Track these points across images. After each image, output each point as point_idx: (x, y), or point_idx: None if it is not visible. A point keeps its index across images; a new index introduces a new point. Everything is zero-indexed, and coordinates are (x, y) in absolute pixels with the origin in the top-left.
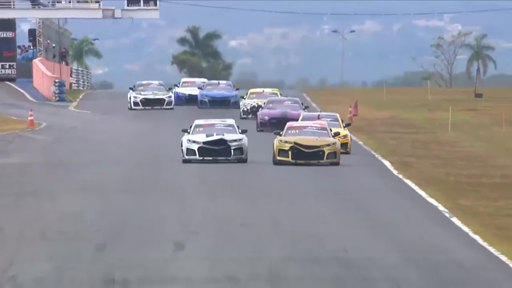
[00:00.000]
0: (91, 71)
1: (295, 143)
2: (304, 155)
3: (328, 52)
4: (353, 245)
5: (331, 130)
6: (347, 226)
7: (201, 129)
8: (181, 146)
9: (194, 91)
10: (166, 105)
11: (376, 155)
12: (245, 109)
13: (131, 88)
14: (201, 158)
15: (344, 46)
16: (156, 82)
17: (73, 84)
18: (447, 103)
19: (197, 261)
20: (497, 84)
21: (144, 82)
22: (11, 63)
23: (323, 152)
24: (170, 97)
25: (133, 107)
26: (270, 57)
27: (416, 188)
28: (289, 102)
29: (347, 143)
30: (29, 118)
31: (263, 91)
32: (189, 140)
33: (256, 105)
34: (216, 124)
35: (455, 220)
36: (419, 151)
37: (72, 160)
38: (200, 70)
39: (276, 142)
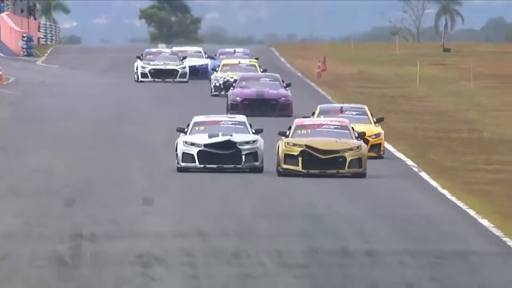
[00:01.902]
0: (59, 26)
1: (306, 146)
2: (319, 163)
3: (298, 8)
4: (322, 200)
5: (353, 130)
6: (315, 182)
7: (202, 127)
8: (176, 150)
9: (194, 61)
10: (179, 77)
11: None
12: (217, 84)
13: (138, 57)
14: (202, 165)
15: (313, 1)
16: (168, 50)
17: (41, 39)
18: (415, 58)
19: (165, 217)
20: (465, 38)
21: (154, 50)
22: None
23: (344, 158)
24: (184, 68)
25: (140, 78)
26: (239, 12)
27: (384, 142)
28: (267, 79)
29: (380, 144)
30: None
31: (239, 63)
32: (186, 142)
33: (230, 80)
34: (221, 121)
35: (423, 174)
36: (388, 106)
37: (40, 114)
38: (168, 25)
39: (281, 145)
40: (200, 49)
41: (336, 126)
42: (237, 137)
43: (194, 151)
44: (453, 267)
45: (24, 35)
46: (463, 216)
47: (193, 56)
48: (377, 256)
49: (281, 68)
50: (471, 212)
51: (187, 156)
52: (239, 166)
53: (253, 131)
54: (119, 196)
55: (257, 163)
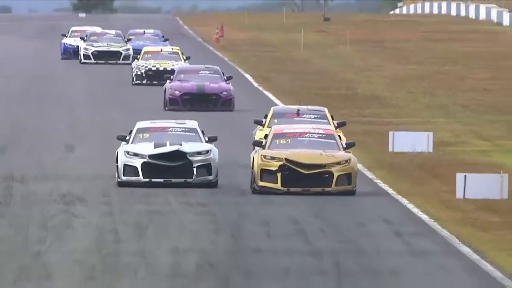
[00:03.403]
0: None
1: (287, 160)
2: (302, 179)
3: None
4: (222, 150)
5: (340, 138)
6: (207, 124)
7: (146, 135)
8: (116, 161)
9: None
10: (122, 59)
11: (240, 70)
12: (139, 73)
13: (82, 38)
14: (146, 179)
15: None
16: (113, 31)
17: None
18: (300, 26)
19: (85, 162)
20: (343, 9)
21: (98, 31)
22: None
23: (331, 174)
24: (127, 50)
25: (83, 60)
26: None
27: (273, 98)
28: (207, 72)
29: None
30: None
31: (161, 50)
32: (128, 153)
33: (152, 68)
34: (169, 127)
35: None
36: (277, 67)
37: None
38: None
39: (257, 158)
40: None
41: (320, 135)
42: (187, 147)
43: (137, 163)
44: (333, 207)
45: None
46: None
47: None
48: (268, 197)
49: (185, 35)
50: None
51: (129, 169)
52: (190, 180)
53: (206, 139)
54: (45, 144)
55: (210, 177)
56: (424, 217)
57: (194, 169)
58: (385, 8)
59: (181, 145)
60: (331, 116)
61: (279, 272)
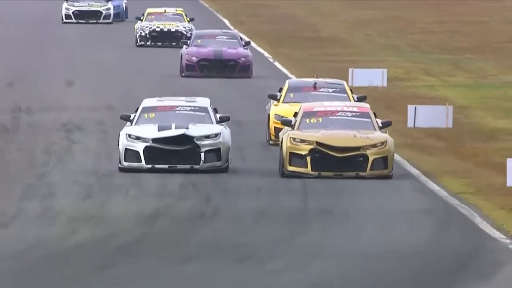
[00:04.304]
0: None
1: (318, 143)
2: (334, 163)
3: None
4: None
5: (375, 116)
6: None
7: (152, 115)
8: (118, 144)
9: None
10: (103, 18)
11: (218, 15)
12: (143, 34)
13: None
14: (149, 165)
15: None
16: None
17: None
18: None
19: (83, 94)
20: None
21: None
22: None
23: (366, 158)
24: (108, 9)
25: (64, 20)
26: None
27: (247, 39)
28: (224, 37)
29: None
30: None
31: (164, 11)
32: (129, 136)
33: (156, 29)
34: (177, 107)
35: (277, 64)
36: (250, 12)
37: None
38: None
39: (286, 140)
40: None
41: (354, 114)
42: (194, 130)
43: (140, 147)
44: None
45: None
46: None
47: None
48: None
49: None
50: None
51: (130, 154)
52: (197, 166)
53: (218, 119)
54: (47, 79)
55: (219, 163)
56: None
57: (202, 154)
58: None
59: (187, 128)
60: (351, 90)
61: (252, 190)
